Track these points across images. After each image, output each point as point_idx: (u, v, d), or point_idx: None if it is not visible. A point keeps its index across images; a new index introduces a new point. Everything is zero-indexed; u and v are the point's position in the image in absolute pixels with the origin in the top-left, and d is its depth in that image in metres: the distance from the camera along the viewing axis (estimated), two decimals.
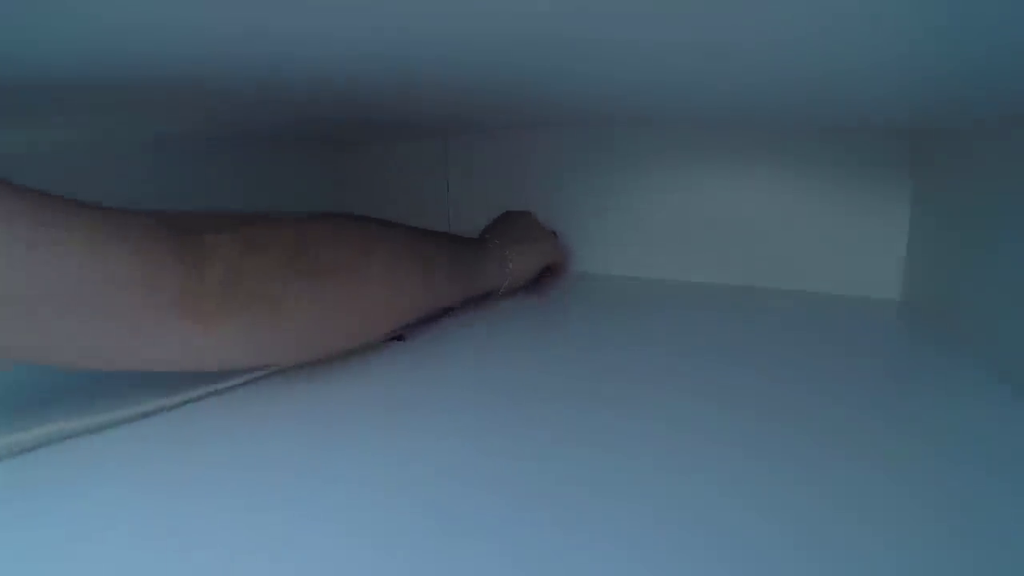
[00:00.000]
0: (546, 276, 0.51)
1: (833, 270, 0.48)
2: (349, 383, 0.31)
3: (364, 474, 0.22)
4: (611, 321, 0.42)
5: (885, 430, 0.25)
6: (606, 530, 0.18)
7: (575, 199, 0.59)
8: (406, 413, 0.27)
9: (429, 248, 0.36)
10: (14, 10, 0.20)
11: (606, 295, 0.51)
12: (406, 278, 0.34)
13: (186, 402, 0.28)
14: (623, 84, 0.35)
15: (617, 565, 0.16)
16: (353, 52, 0.28)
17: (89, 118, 0.46)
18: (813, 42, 0.22)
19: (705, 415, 0.26)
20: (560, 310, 0.46)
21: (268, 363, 0.29)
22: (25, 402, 0.28)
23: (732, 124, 0.49)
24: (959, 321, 0.36)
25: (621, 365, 0.33)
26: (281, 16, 0.22)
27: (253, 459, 0.23)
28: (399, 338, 0.37)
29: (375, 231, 0.33)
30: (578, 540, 0.17)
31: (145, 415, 0.26)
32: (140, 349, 0.23)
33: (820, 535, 0.18)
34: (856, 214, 0.47)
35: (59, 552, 0.18)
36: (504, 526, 0.18)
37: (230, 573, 0.16)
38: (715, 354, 0.35)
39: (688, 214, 0.53)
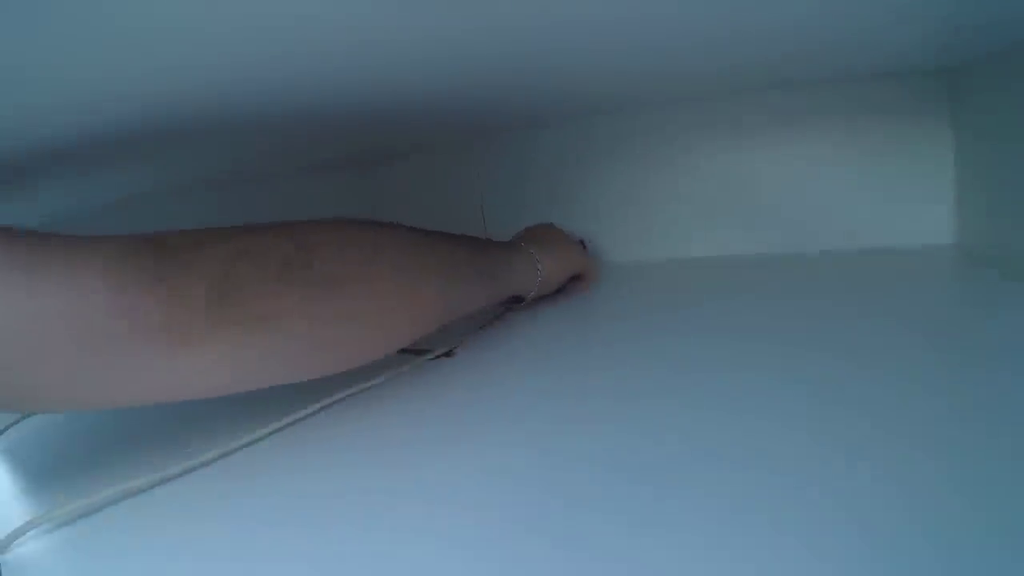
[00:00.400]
0: (574, 284, 0.49)
1: (883, 223, 0.46)
2: (401, 398, 0.30)
3: (427, 490, 0.21)
4: (675, 307, 0.41)
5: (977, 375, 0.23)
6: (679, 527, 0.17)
7: (606, 189, 0.58)
8: (462, 426, 0.27)
9: (449, 251, 0.33)
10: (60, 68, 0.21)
11: (658, 282, 0.50)
12: (420, 285, 0.30)
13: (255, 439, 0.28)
14: (648, 56, 0.34)
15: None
16: (378, 61, 0.27)
17: (121, 172, 0.47)
18: None
19: (787, 397, 0.25)
20: (616, 302, 0.46)
21: (261, 385, 0.26)
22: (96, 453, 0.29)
23: (760, 85, 0.47)
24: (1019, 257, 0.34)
25: (692, 349, 0.32)
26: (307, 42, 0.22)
27: (318, 489, 0.23)
28: (448, 354, 0.37)
29: (385, 236, 0.29)
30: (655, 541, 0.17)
31: (209, 461, 0.27)
32: (124, 382, 0.21)
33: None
34: (898, 162, 0.45)
35: None
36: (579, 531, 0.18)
37: None
38: (786, 324, 0.33)
39: (726, 188, 0.52)
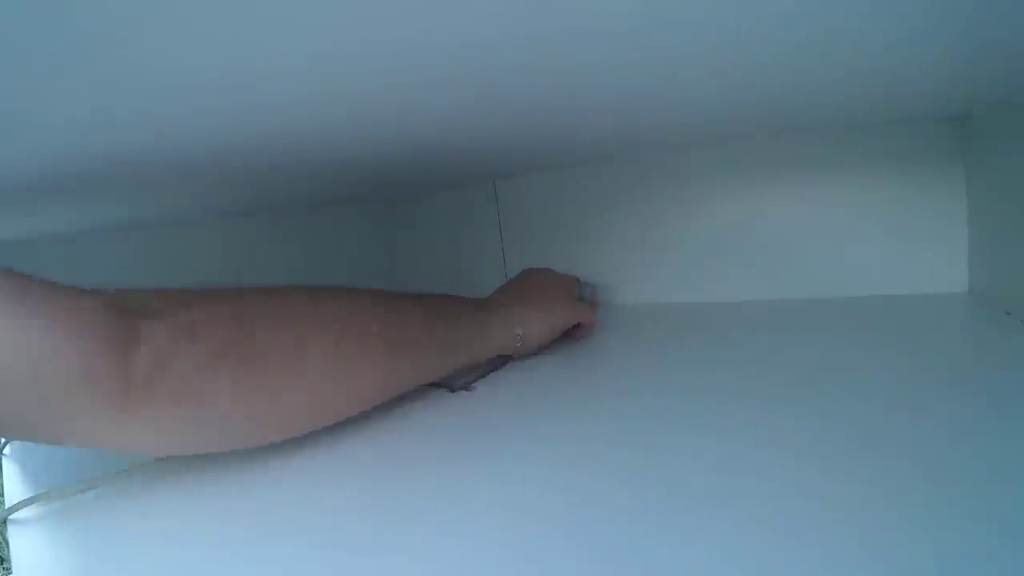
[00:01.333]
0: (572, 333, 0.46)
1: (897, 270, 0.47)
2: (405, 433, 0.31)
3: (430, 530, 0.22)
4: (687, 350, 0.42)
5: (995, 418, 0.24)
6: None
7: (622, 230, 0.60)
8: (477, 451, 0.27)
9: (407, 321, 0.33)
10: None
11: (671, 323, 0.51)
12: (362, 361, 0.30)
13: None
14: (667, 111, 0.36)
15: None
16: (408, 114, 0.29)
17: (150, 199, 0.49)
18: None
19: (798, 442, 0.25)
20: (628, 344, 0.46)
21: (195, 451, 0.28)
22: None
23: (776, 130, 0.49)
24: None
25: (705, 390, 0.33)
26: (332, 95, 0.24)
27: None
28: (465, 388, 0.38)
29: (334, 308, 0.30)
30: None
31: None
32: (77, 430, 0.23)
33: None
34: (912, 210, 0.46)
35: None
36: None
37: None
38: (798, 371, 0.34)
39: (742, 233, 0.53)
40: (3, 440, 0.39)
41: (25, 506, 0.28)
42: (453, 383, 0.39)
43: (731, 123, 0.44)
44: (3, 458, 0.37)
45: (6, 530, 0.27)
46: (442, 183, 0.68)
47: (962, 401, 0.27)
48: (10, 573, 0.24)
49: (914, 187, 0.46)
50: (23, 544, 0.25)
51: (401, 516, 0.23)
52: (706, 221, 0.55)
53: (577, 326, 0.46)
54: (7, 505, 0.28)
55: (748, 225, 0.53)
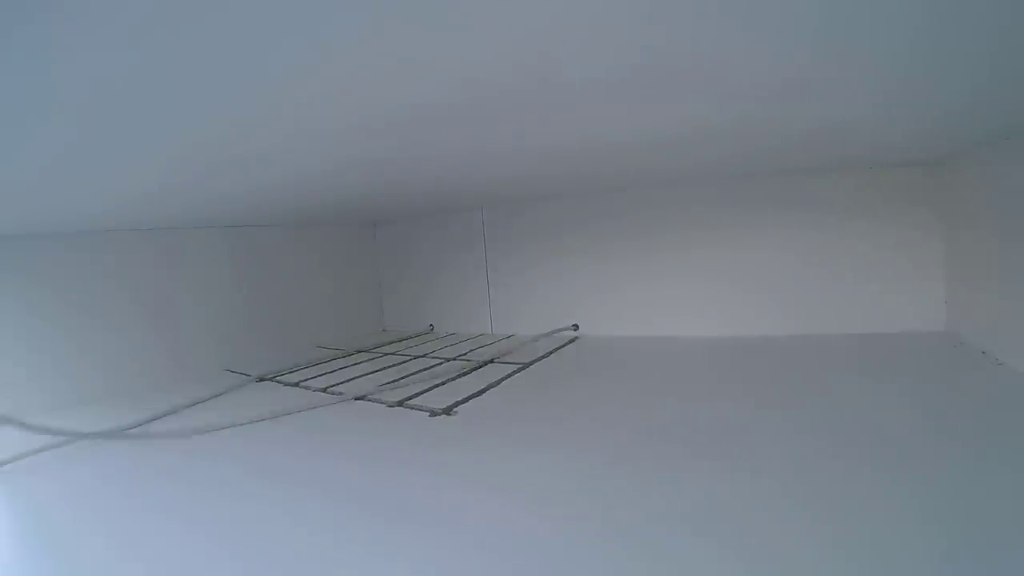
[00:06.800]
0: None
1: (876, 309, 0.48)
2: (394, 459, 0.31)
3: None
4: (670, 380, 0.42)
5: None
6: None
7: (604, 262, 0.60)
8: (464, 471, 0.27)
9: None
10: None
11: (648, 356, 0.51)
12: None
13: None
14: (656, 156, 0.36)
15: None
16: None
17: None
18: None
19: (776, 468, 0.25)
20: (611, 374, 0.46)
21: None
22: None
23: (764, 172, 0.50)
24: (1008, 341, 0.35)
25: (687, 420, 0.32)
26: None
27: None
28: (447, 412, 0.38)
29: None
30: None
31: None
32: None
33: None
34: (891, 251, 0.47)
35: None
36: None
37: None
38: (785, 403, 0.34)
39: (729, 271, 0.54)
40: None
41: None
42: (435, 408, 0.38)
43: (723, 164, 0.45)
44: None
45: None
46: (436, 209, 0.69)
47: (938, 435, 0.27)
48: None
49: (893, 229, 0.47)
50: None
51: (377, 538, 0.23)
52: (692, 256, 0.56)
53: None
54: None
55: (732, 263, 0.54)
